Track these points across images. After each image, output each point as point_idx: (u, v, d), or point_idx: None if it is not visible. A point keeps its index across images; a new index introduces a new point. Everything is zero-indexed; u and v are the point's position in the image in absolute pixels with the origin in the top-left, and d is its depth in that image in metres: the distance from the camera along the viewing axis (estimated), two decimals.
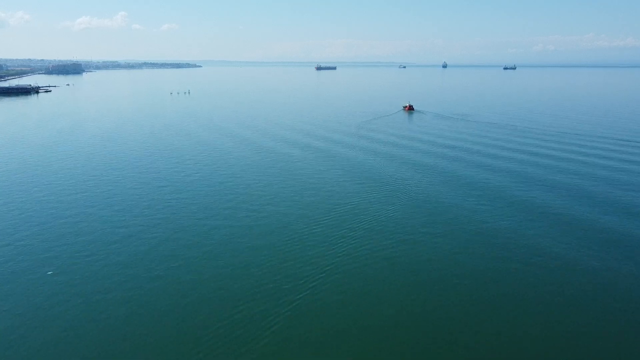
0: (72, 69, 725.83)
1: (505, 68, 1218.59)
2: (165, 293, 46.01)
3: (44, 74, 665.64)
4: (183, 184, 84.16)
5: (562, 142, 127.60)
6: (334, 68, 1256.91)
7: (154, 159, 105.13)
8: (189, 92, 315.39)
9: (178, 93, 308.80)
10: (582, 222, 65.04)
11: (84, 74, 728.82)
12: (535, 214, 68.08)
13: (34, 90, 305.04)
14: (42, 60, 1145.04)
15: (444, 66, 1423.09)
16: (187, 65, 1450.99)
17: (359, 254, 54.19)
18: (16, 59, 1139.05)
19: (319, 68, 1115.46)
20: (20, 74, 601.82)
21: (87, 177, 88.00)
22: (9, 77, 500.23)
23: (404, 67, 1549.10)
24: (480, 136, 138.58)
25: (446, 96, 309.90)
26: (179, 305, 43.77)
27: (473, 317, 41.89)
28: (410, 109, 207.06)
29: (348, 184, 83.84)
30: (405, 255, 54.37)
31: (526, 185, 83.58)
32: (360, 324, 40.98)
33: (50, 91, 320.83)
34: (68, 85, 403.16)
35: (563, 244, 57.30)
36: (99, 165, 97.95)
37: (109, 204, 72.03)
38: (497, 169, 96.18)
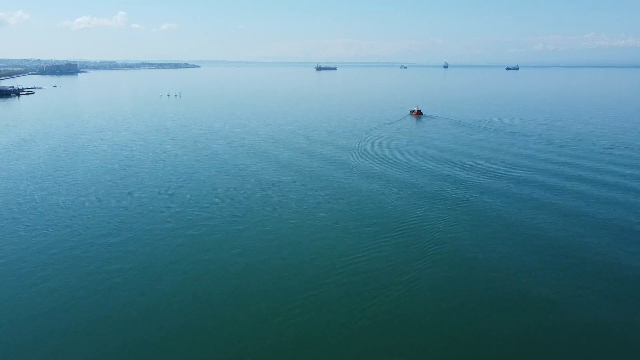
0: (66, 69, 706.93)
1: (508, 68, 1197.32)
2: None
3: (38, 74, 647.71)
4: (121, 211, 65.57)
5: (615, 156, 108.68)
6: (334, 68, 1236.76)
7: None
8: (180, 95, 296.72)
9: (168, 96, 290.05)
10: None
11: (79, 74, 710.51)
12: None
13: (15, 92, 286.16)
14: (39, 60, 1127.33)
15: (445, 66, 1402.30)
16: (186, 65, 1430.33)
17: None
18: (12, 59, 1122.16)
19: (318, 68, 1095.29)
20: (13, 74, 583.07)
21: None
22: (0, 78, 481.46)
23: (406, 67, 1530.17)
24: (519, 151, 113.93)
25: (455, 99, 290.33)
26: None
27: None
28: (419, 113, 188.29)
29: (350, 227, 65.10)
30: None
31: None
32: None
33: (33, 93, 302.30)
34: (55, 86, 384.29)
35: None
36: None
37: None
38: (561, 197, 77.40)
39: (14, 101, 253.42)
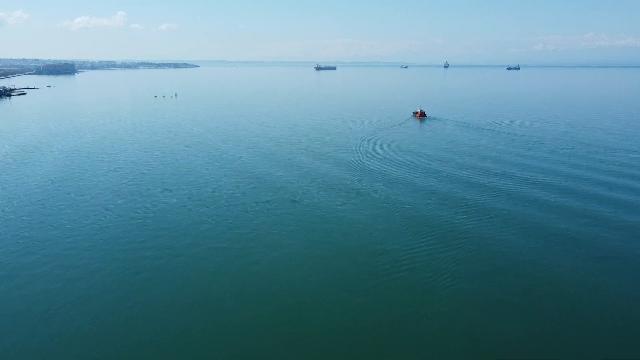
0: (63, 69, 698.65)
1: (509, 68, 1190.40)
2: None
3: (35, 74, 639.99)
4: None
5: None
6: (334, 68, 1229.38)
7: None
8: (175, 96, 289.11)
9: (164, 96, 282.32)
10: None
11: (76, 74, 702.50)
12: None
13: (6, 92, 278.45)
14: (37, 60, 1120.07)
15: (446, 66, 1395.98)
16: (185, 65, 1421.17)
17: None
18: (9, 59, 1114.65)
19: (318, 68, 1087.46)
20: (9, 74, 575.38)
21: None
22: None
23: (406, 67, 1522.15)
24: (532, 162, 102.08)
25: (458, 99, 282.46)
26: None
27: None
28: (422, 115, 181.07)
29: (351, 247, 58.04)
30: None
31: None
32: None
33: (24, 94, 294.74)
34: (49, 86, 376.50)
35: None
36: None
37: None
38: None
39: (4, 102, 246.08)
